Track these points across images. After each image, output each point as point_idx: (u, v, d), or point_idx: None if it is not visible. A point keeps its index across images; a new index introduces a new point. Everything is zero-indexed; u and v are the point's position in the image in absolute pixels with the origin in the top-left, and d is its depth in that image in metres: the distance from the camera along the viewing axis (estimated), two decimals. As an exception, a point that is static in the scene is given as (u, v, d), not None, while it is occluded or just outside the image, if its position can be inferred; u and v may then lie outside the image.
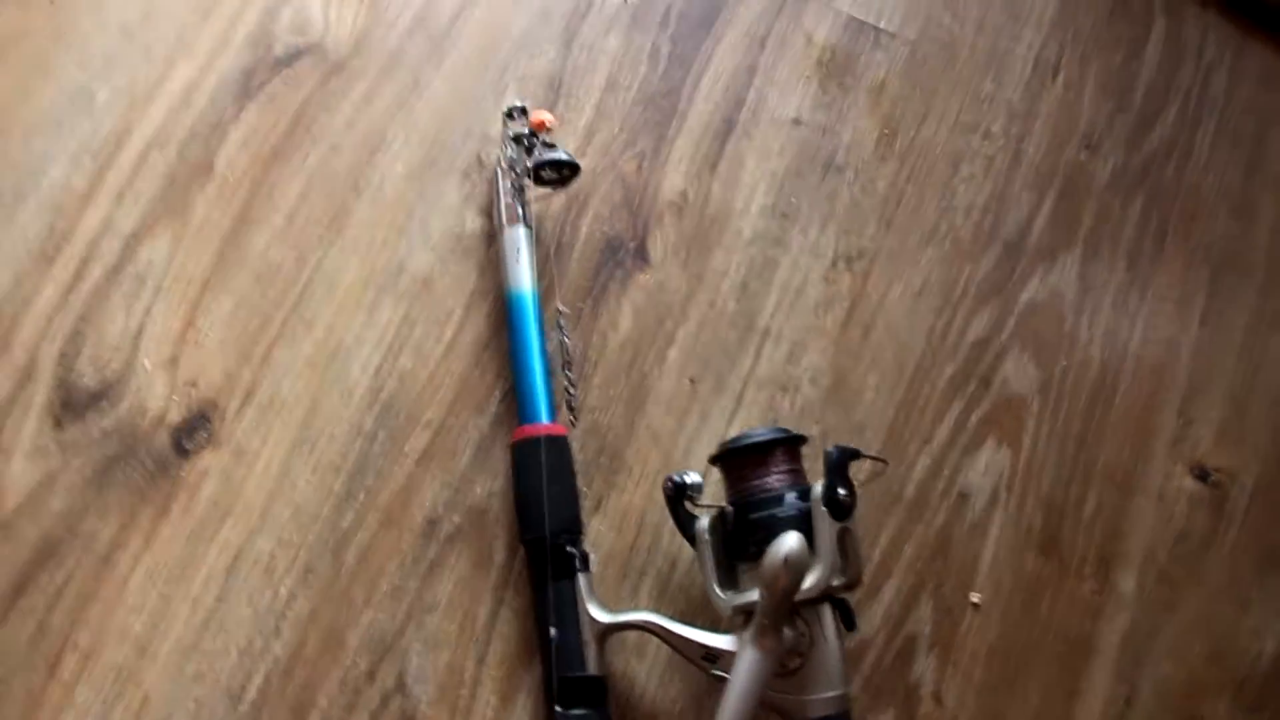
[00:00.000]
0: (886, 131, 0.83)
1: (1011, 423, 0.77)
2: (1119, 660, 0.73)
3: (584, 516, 0.70)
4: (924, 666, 0.71)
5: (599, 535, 0.71)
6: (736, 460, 0.65)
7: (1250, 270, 0.84)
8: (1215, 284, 0.84)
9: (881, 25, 0.86)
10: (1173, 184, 0.86)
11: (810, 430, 0.74)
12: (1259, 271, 0.84)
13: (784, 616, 0.56)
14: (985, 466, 0.76)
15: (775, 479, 0.64)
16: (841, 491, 0.62)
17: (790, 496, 0.63)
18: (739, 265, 0.78)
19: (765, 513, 0.63)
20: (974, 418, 0.77)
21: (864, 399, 0.76)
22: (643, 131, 0.80)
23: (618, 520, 0.71)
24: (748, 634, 0.58)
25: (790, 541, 0.55)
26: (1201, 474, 0.78)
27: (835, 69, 0.84)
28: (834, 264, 0.79)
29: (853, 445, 0.63)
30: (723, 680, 0.62)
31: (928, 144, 0.83)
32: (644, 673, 0.69)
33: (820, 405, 0.75)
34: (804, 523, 0.62)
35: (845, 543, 0.63)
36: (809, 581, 0.60)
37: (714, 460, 0.66)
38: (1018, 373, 0.78)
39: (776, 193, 0.80)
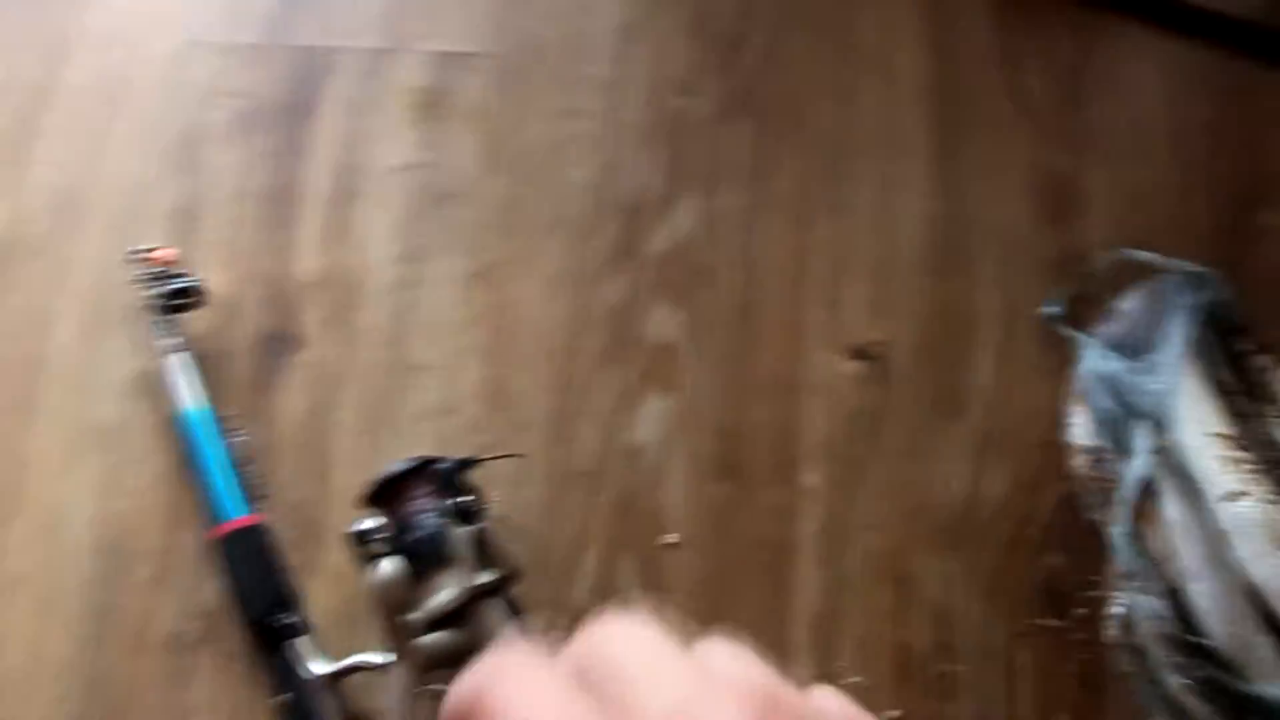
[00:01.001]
0: (490, 147, 0.89)
1: (667, 369, 0.82)
2: (820, 549, 0.78)
3: (302, 583, 0.77)
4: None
5: (322, 596, 0.78)
6: (378, 500, 0.72)
7: (865, 147, 0.89)
8: (836, 171, 0.88)
9: (468, 50, 0.92)
10: (775, 96, 0.90)
11: (481, 441, 0.80)
12: (873, 145, 0.89)
13: (399, 633, 0.63)
14: (652, 418, 0.81)
15: (415, 505, 0.71)
16: (462, 499, 0.69)
17: (426, 518, 0.70)
18: (383, 318, 0.84)
19: (410, 538, 0.70)
20: (631, 378, 0.82)
21: (524, 398, 0.82)
22: (273, 228, 0.87)
23: (333, 578, 0.78)
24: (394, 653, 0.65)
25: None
26: (859, 353, 0.83)
27: (431, 106, 0.90)
28: (467, 285, 0.85)
29: (487, 453, 0.71)
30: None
31: (530, 144, 0.89)
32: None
33: (485, 417, 0.82)
34: (442, 538, 0.69)
35: (486, 542, 0.70)
36: (449, 593, 0.67)
37: (366, 504, 0.73)
38: (662, 322, 0.84)
39: (402, 240, 0.86)
